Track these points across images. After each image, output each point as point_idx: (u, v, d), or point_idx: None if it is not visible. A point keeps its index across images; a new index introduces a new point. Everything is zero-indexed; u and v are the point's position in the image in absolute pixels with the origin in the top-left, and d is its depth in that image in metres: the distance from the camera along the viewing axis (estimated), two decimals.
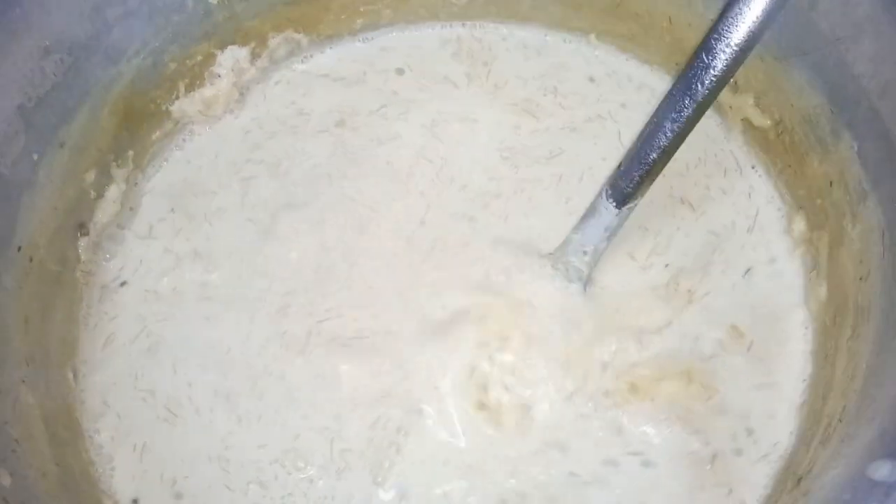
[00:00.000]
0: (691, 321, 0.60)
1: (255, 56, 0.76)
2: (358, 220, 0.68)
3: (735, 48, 0.48)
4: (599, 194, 0.58)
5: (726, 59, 0.48)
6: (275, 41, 0.76)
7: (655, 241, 0.64)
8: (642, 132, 0.54)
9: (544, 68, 0.72)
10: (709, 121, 0.68)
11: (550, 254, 0.63)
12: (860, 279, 0.52)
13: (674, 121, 0.51)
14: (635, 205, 0.57)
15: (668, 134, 0.52)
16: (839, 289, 0.55)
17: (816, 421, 0.52)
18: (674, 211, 0.65)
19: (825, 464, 0.45)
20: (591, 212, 0.59)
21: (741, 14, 0.47)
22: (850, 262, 0.54)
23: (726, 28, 0.48)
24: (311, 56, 0.78)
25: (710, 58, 0.48)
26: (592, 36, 0.72)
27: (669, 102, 0.51)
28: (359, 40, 0.77)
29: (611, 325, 0.60)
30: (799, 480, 0.47)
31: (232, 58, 0.75)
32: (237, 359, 0.63)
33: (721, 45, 0.48)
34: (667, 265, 0.62)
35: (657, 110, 0.52)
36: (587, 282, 0.61)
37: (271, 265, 0.67)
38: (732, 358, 0.58)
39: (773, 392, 0.56)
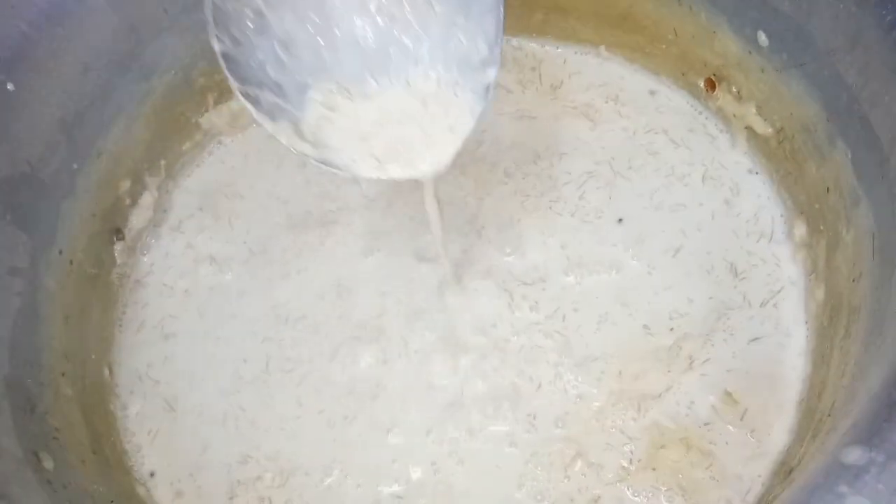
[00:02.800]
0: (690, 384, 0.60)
1: None
2: None
3: None
4: None
5: None
6: None
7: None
8: None
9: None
10: (713, 129, 0.70)
11: None
12: (853, 281, 0.54)
13: None
14: None
15: None
16: (835, 290, 0.57)
17: (810, 418, 0.54)
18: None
19: (812, 456, 0.47)
20: None
21: None
22: (844, 264, 0.56)
23: None
24: None
25: None
26: (602, 48, 0.75)
27: None
28: None
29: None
30: (789, 472, 0.49)
31: None
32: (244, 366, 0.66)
33: None
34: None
35: None
36: None
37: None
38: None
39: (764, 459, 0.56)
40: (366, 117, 0.54)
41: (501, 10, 0.50)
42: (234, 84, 0.53)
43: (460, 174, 0.71)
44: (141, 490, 0.62)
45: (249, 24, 0.53)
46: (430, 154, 0.53)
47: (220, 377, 0.65)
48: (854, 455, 0.39)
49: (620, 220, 0.67)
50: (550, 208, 0.69)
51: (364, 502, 0.59)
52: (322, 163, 0.54)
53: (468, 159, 0.71)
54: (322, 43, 0.53)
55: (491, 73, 0.51)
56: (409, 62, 0.53)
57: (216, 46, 0.53)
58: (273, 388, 0.64)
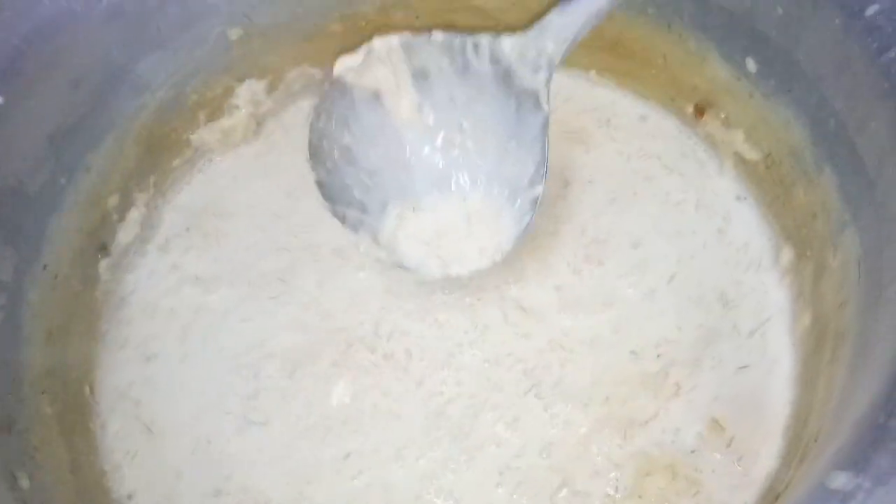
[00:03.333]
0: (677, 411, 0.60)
1: (271, 89, 0.80)
2: None
3: None
4: None
5: None
6: (291, 75, 0.80)
7: None
8: None
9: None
10: (702, 155, 0.71)
11: (525, 31, 0.58)
12: (839, 306, 0.54)
13: None
14: None
15: None
16: (821, 316, 0.57)
17: (797, 444, 0.53)
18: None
19: (798, 481, 0.47)
20: None
21: None
22: (830, 290, 0.56)
23: None
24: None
25: None
26: (593, 72, 0.75)
27: None
28: None
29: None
30: (776, 498, 0.49)
31: (250, 90, 0.79)
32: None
33: None
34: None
35: None
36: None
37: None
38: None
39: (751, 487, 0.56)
40: (430, 227, 0.64)
41: (546, 136, 0.59)
42: (326, 205, 0.64)
43: None
44: None
45: (340, 157, 0.64)
46: (485, 256, 0.62)
47: (196, 403, 0.64)
48: (840, 480, 0.39)
49: (619, 247, 0.67)
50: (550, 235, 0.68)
51: None
52: (396, 265, 0.63)
53: None
54: (399, 169, 0.64)
55: (538, 190, 0.60)
56: (469, 182, 0.64)
57: (313, 175, 0.64)
58: (246, 418, 0.63)
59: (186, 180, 0.78)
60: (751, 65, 0.62)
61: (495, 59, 0.60)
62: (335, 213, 0.63)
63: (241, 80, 0.78)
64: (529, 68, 0.58)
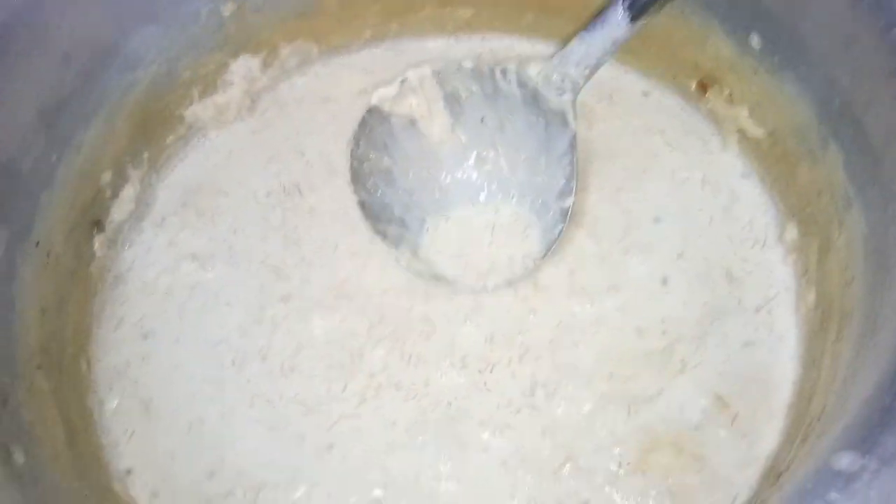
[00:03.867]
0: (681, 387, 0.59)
1: (266, 65, 0.79)
2: None
3: None
4: (613, 2, 0.57)
5: None
6: (286, 51, 0.79)
7: None
8: None
9: None
10: (705, 131, 0.70)
11: (549, 59, 0.62)
12: (845, 284, 0.54)
13: None
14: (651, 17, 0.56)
15: None
16: (826, 294, 0.57)
17: (800, 422, 0.53)
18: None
19: (801, 460, 0.46)
20: (600, 21, 0.58)
21: None
22: (836, 268, 0.55)
23: None
24: (322, 65, 0.80)
25: None
26: None
27: None
28: (368, 49, 0.79)
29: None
30: (778, 476, 0.49)
31: (244, 66, 0.78)
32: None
33: None
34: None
35: None
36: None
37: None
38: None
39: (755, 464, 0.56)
40: (466, 239, 0.66)
41: (575, 152, 0.62)
42: (368, 223, 0.66)
43: None
44: (118, 486, 0.60)
45: (380, 179, 0.67)
46: (518, 266, 0.64)
47: (191, 382, 0.64)
48: (845, 461, 0.38)
49: (626, 225, 0.66)
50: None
51: None
52: (433, 278, 0.64)
53: None
54: (436, 187, 0.67)
55: (569, 201, 0.63)
56: (501, 196, 0.67)
57: (355, 197, 0.66)
58: (239, 398, 0.63)
59: (181, 157, 0.77)
60: (755, 41, 0.61)
61: (522, 84, 0.64)
62: (377, 231, 0.66)
63: (234, 55, 0.77)
64: (554, 91, 0.62)
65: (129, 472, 0.61)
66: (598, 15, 0.58)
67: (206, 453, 0.61)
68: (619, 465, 0.57)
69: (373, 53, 0.79)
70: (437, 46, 0.77)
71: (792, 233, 0.62)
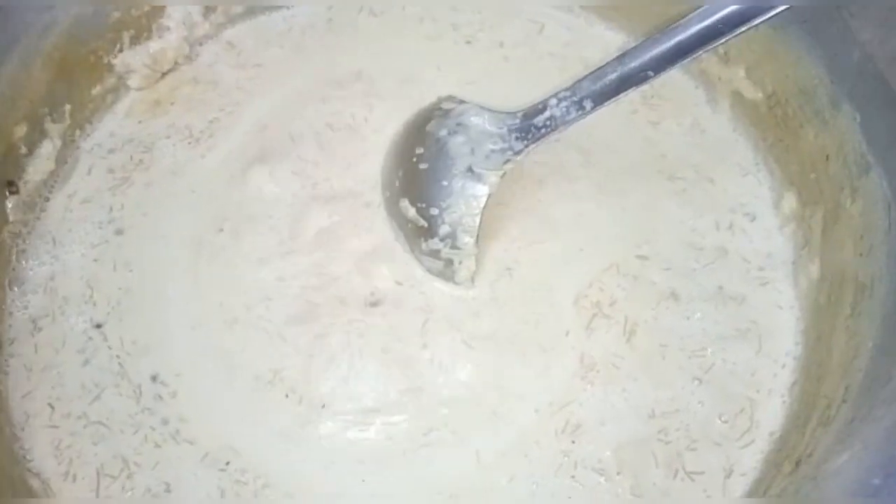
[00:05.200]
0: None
1: (208, 10, 0.71)
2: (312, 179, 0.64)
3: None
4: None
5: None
6: None
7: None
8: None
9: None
10: (696, 91, 0.66)
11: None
12: (860, 255, 0.50)
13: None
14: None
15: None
16: (835, 267, 0.53)
17: (812, 403, 0.49)
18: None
19: (830, 447, 0.42)
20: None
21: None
22: (848, 238, 0.52)
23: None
24: (270, 13, 0.73)
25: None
26: (576, 5, 0.70)
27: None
28: None
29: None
30: (797, 463, 0.45)
31: (183, 10, 0.69)
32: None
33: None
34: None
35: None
36: None
37: None
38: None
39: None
40: None
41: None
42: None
43: None
44: (34, 481, 0.53)
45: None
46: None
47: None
48: None
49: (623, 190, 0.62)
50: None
51: None
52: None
53: None
54: None
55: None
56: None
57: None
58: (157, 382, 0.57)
59: (107, 110, 0.68)
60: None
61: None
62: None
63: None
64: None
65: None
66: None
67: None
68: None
69: None
70: None
71: (790, 202, 0.59)
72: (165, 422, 0.55)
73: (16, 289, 0.60)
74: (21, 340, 0.58)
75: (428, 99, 0.65)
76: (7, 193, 0.60)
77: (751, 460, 0.51)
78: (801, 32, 0.55)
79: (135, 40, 0.68)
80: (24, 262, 0.61)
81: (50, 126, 0.64)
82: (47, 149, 0.64)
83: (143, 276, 0.60)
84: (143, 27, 0.68)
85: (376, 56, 0.70)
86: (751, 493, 0.49)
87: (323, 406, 0.55)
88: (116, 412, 0.55)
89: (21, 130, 0.61)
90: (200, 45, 0.72)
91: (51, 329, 0.58)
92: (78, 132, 0.67)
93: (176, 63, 0.70)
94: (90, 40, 0.66)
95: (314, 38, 0.71)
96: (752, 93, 0.61)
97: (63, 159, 0.65)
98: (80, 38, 0.65)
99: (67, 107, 0.65)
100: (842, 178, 0.53)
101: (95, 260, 0.61)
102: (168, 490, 0.52)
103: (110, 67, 0.68)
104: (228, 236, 0.62)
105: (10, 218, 0.61)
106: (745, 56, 0.61)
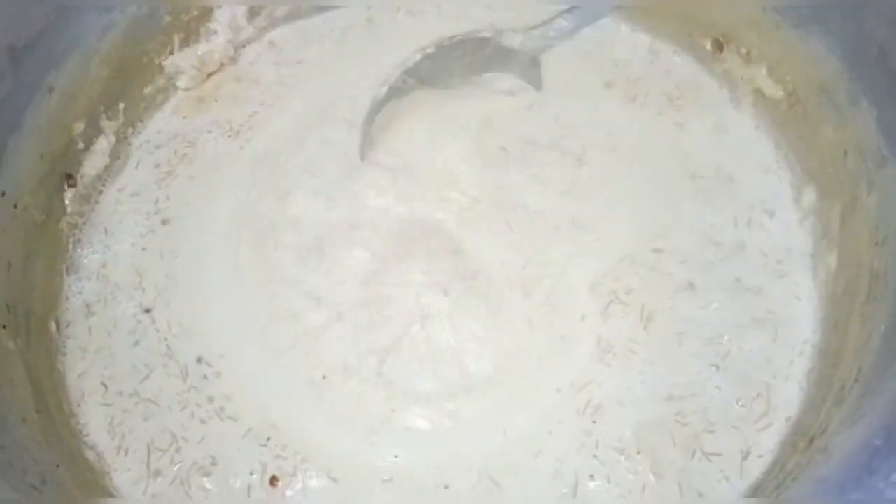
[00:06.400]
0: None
1: (253, 14, 0.74)
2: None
3: None
4: None
5: None
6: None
7: None
8: None
9: None
10: (720, 92, 0.67)
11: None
12: (875, 245, 0.51)
13: None
14: None
15: None
16: (852, 257, 0.54)
17: (827, 386, 0.51)
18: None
19: (842, 421, 0.44)
20: None
21: None
22: (864, 229, 0.53)
23: None
24: (311, 16, 0.76)
25: None
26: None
27: None
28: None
29: None
30: (811, 441, 0.46)
31: (229, 14, 0.73)
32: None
33: None
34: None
35: None
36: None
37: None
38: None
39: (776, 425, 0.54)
40: None
41: None
42: None
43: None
44: (90, 454, 0.56)
45: None
46: None
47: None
48: None
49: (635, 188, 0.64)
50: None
51: None
52: None
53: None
54: None
55: None
56: None
57: None
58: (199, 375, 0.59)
59: (158, 109, 0.72)
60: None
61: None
62: None
63: (220, 2, 0.72)
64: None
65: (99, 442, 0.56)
66: None
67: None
68: None
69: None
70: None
71: (810, 196, 0.60)
72: (211, 400, 0.58)
73: (72, 275, 0.63)
74: (76, 323, 0.61)
75: None
76: (66, 186, 0.64)
77: (769, 442, 0.52)
78: (820, 32, 0.57)
79: (184, 43, 0.72)
80: (79, 251, 0.64)
81: (105, 123, 0.68)
82: (102, 144, 0.67)
83: (187, 264, 0.64)
84: (192, 30, 0.72)
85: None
86: (767, 474, 0.50)
87: (359, 391, 0.57)
88: (164, 390, 0.58)
89: (80, 127, 0.65)
90: (244, 47, 0.75)
91: (103, 313, 0.62)
92: (130, 129, 0.70)
93: (221, 64, 0.74)
94: (144, 42, 0.69)
95: (354, 37, 0.75)
96: (774, 91, 0.63)
97: (116, 154, 0.69)
98: (136, 40, 0.68)
99: (121, 105, 0.69)
100: (859, 171, 0.54)
101: (144, 249, 0.65)
102: (213, 463, 0.55)
103: (161, 68, 0.71)
104: (268, 223, 0.65)
105: (69, 209, 0.64)
106: (767, 55, 0.62)
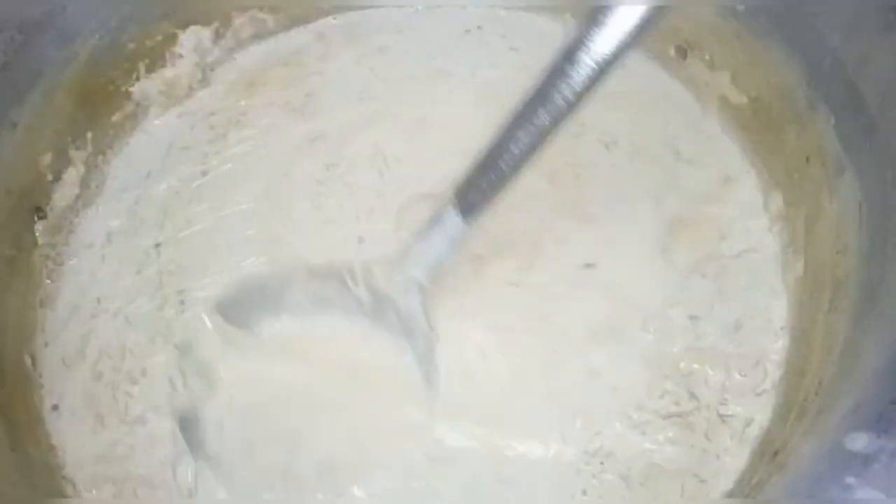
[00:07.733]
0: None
1: (218, 36, 0.74)
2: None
3: (598, 65, 0.43)
4: (444, 204, 0.53)
5: (588, 74, 0.43)
6: (239, 21, 0.74)
7: None
8: (493, 141, 0.48)
9: None
10: (685, 96, 0.67)
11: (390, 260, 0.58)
12: (837, 253, 0.51)
13: (528, 132, 0.46)
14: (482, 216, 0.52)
15: (522, 146, 0.47)
16: (816, 264, 0.54)
17: (793, 397, 0.51)
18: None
19: (801, 437, 0.44)
20: (435, 221, 0.54)
21: (609, 29, 0.42)
22: (827, 236, 0.53)
23: (593, 42, 0.43)
24: (278, 36, 0.76)
25: (572, 70, 0.43)
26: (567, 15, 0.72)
27: (525, 112, 0.46)
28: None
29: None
30: (775, 454, 0.46)
31: (194, 38, 0.73)
32: None
33: (586, 59, 0.43)
34: None
35: (511, 119, 0.47)
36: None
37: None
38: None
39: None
40: None
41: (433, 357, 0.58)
42: None
43: None
44: (69, 489, 0.56)
45: None
46: None
47: None
48: (860, 442, 0.36)
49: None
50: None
51: None
52: None
53: None
54: None
55: None
56: None
57: None
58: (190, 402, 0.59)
59: (127, 136, 0.72)
60: (739, 3, 0.59)
61: (372, 288, 0.59)
62: None
63: (183, 26, 0.72)
64: (402, 292, 0.57)
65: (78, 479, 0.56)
66: (433, 215, 0.54)
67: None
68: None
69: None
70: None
71: (777, 202, 0.60)
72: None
73: (47, 308, 0.64)
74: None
75: None
76: (36, 218, 0.64)
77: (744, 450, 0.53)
78: (779, 39, 0.57)
79: (150, 68, 0.72)
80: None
81: (74, 153, 0.67)
82: (72, 175, 0.67)
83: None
84: (158, 55, 0.72)
85: None
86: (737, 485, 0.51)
87: None
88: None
89: (47, 159, 0.65)
90: (212, 70, 0.75)
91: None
92: (100, 157, 0.70)
93: (191, 88, 0.74)
94: (108, 70, 0.69)
95: None
96: (738, 98, 0.63)
97: (87, 184, 0.68)
98: (99, 69, 0.68)
99: (89, 134, 0.69)
100: (821, 178, 0.54)
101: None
102: None
103: (128, 95, 0.71)
104: None
105: (40, 241, 0.64)
106: (730, 63, 0.62)
